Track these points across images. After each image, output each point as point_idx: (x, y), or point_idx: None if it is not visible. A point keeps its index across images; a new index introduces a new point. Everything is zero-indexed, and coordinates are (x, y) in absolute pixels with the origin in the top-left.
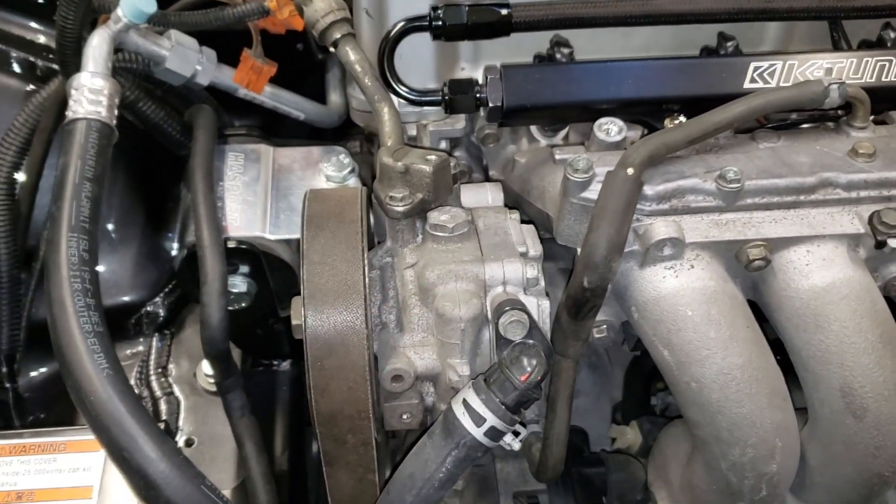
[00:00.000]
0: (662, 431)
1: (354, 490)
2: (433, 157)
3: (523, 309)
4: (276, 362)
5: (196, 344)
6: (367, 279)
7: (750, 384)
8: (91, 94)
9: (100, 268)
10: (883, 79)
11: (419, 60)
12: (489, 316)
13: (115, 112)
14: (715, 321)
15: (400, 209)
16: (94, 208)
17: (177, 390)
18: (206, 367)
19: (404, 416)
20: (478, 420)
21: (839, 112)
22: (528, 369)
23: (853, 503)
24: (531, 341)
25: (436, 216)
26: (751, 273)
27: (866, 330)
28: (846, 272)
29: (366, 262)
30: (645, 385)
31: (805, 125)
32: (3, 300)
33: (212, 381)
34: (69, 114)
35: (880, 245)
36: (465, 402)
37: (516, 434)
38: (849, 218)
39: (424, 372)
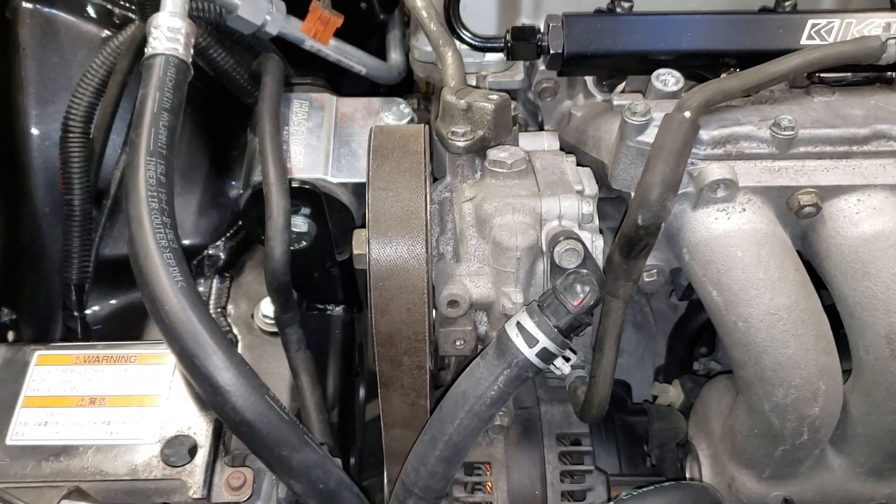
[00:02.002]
0: (706, 386)
1: (406, 414)
2: (495, 97)
3: (578, 239)
4: (329, 307)
5: (254, 287)
6: (428, 205)
7: (796, 325)
8: (169, 33)
9: None
10: None
11: (482, 11)
12: (544, 248)
13: (191, 51)
14: (764, 262)
15: (461, 144)
16: (170, 136)
17: (235, 329)
18: (263, 308)
19: (458, 343)
20: (530, 341)
21: (894, 75)
22: (581, 295)
23: (894, 454)
24: (585, 270)
25: (495, 153)
26: (801, 221)
27: None
28: None
29: (428, 188)
30: (688, 350)
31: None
32: (75, 233)
33: (269, 321)
34: (148, 50)
35: None
36: (518, 324)
37: (566, 359)
38: None
39: (479, 299)
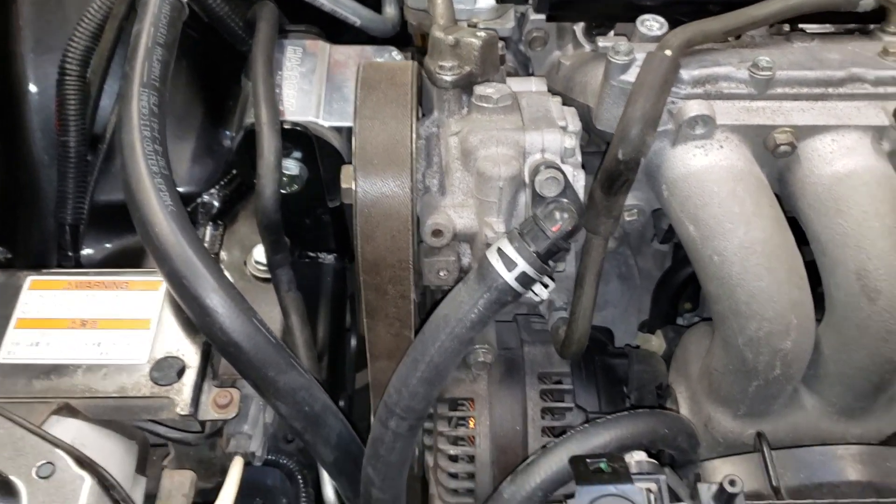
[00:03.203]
0: (686, 332)
1: (391, 345)
2: (482, 34)
3: (559, 168)
4: (321, 255)
5: (248, 236)
6: (414, 134)
7: (770, 259)
8: None
9: None
10: None
11: None
12: (526, 180)
13: None
14: (739, 197)
15: (448, 78)
16: (164, 70)
17: (227, 276)
18: (256, 255)
19: (441, 273)
20: (510, 265)
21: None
22: (560, 221)
23: (865, 393)
24: (564, 200)
25: (482, 89)
26: (777, 161)
27: (884, 215)
28: (869, 161)
29: (414, 118)
30: (672, 303)
31: None
32: (70, 175)
33: (261, 268)
34: None
35: None
36: (499, 249)
37: (545, 286)
38: (875, 111)
39: (463, 230)
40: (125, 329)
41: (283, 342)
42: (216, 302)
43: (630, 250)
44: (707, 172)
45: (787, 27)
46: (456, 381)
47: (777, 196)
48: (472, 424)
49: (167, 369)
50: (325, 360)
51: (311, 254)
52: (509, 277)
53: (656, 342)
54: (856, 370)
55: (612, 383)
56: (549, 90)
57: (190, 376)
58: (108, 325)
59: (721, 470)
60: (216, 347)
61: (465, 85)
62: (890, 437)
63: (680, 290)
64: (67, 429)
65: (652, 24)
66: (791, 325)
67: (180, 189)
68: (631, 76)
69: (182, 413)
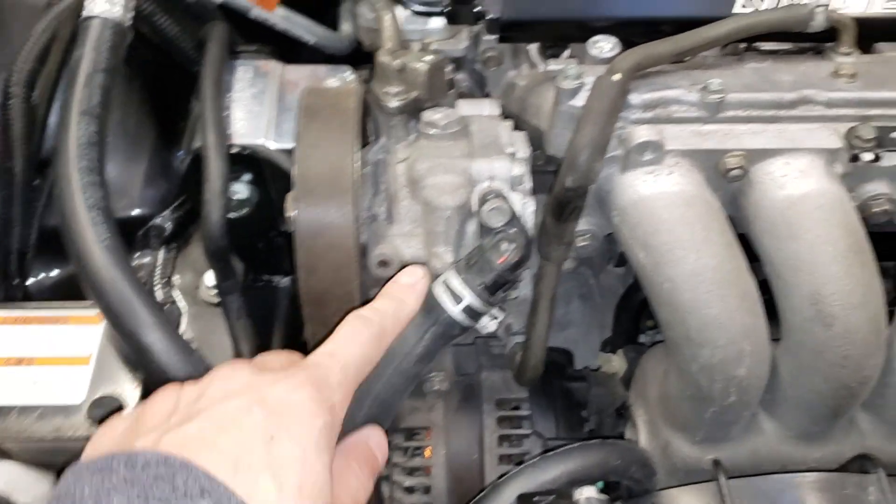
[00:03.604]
0: (645, 353)
1: None
2: (429, 58)
3: (506, 198)
4: (276, 278)
5: (200, 259)
6: (357, 163)
7: (721, 286)
8: None
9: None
10: (868, 11)
11: None
12: (475, 209)
13: (130, 14)
14: (690, 223)
15: (394, 104)
16: (105, 97)
17: (180, 300)
18: (208, 279)
19: None
20: (456, 298)
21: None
22: (506, 253)
23: (822, 418)
24: (513, 229)
25: (429, 115)
26: (730, 185)
27: (837, 239)
28: (821, 184)
29: (357, 146)
30: (634, 322)
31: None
32: (17, 201)
33: (213, 292)
34: (84, 12)
35: (854, 158)
36: (444, 282)
37: (494, 318)
38: (827, 134)
39: (411, 260)
40: (63, 365)
41: None
42: (153, 338)
43: (589, 270)
44: (657, 199)
45: (741, 46)
46: (412, 410)
47: (732, 218)
48: (428, 454)
49: (105, 407)
50: None
51: (265, 277)
52: (455, 311)
53: (618, 362)
54: (813, 395)
55: (570, 407)
56: (505, 111)
57: None
58: (46, 361)
59: (678, 500)
60: (154, 385)
61: (412, 111)
62: (849, 461)
63: (641, 308)
64: None
65: (603, 45)
66: (744, 352)
67: (133, 212)
68: (580, 101)
69: None
